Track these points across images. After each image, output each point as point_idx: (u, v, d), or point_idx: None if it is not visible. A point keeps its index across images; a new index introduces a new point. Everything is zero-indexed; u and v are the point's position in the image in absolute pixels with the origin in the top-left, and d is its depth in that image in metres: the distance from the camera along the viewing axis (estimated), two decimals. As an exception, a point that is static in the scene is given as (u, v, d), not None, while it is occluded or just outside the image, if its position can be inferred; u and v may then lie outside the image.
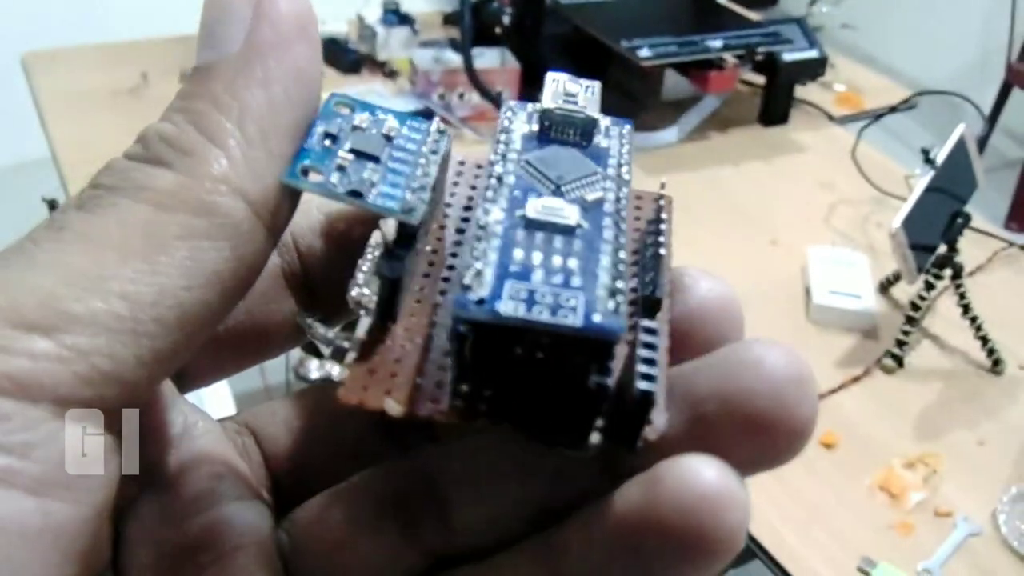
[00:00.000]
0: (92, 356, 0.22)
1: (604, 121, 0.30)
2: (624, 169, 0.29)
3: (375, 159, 0.27)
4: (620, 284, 0.24)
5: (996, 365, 1.24)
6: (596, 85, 0.31)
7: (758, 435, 0.24)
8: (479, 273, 0.24)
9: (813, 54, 1.77)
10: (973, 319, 1.23)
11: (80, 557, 0.22)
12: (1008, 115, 3.13)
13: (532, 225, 0.26)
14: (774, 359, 0.24)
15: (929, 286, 1.22)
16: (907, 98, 1.88)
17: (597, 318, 0.23)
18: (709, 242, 1.46)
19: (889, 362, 1.23)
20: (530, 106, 0.30)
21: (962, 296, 1.23)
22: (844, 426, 1.15)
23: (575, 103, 0.30)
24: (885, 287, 1.36)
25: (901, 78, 2.17)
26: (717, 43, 1.64)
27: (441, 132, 0.29)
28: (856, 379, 1.21)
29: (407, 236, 0.27)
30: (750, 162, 1.68)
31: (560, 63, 1.71)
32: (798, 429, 0.24)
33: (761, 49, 1.69)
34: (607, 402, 0.24)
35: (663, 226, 0.28)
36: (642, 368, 0.23)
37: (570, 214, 0.26)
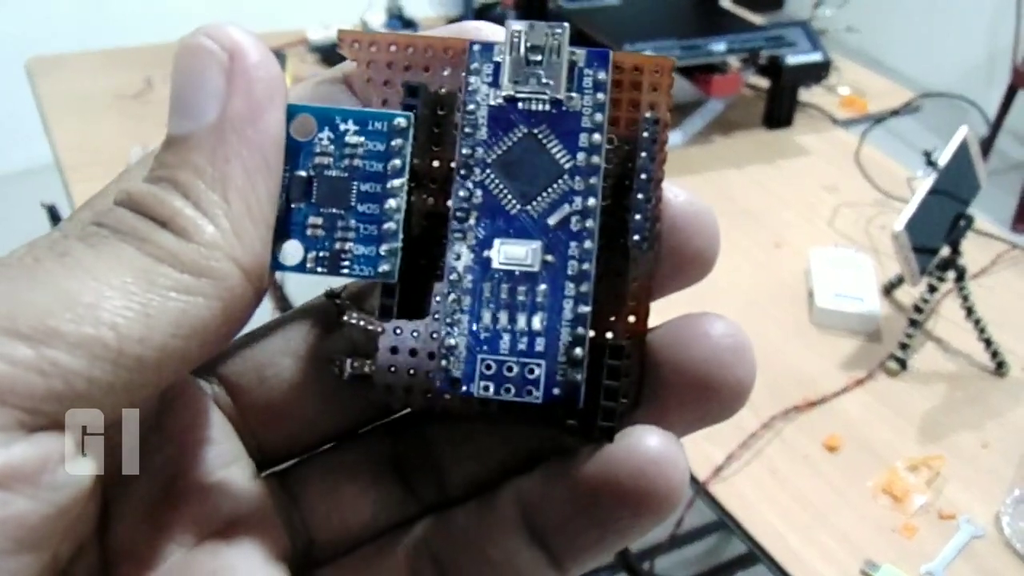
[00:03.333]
0: (70, 375, 0.23)
1: (579, 61, 0.30)
2: (595, 137, 0.29)
3: (346, 208, 0.29)
4: (580, 331, 0.28)
5: (1000, 367, 1.24)
6: (563, 28, 0.30)
7: (704, 395, 0.29)
8: (454, 347, 0.28)
9: (817, 57, 1.77)
10: (976, 321, 1.23)
11: (37, 548, 0.23)
12: (1013, 117, 3.13)
13: (497, 275, 0.28)
14: (718, 331, 0.30)
15: (932, 288, 1.22)
16: (910, 100, 1.88)
17: (556, 391, 0.28)
18: (713, 245, 1.46)
19: (892, 365, 1.23)
20: (497, 51, 0.30)
21: (965, 298, 1.23)
22: (847, 429, 1.15)
23: (539, 63, 0.29)
24: (888, 290, 1.36)
25: (905, 81, 2.17)
26: (721, 47, 1.64)
27: (402, 130, 0.29)
28: (859, 382, 1.21)
29: (390, 287, 0.29)
30: (754, 165, 1.69)
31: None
32: (737, 390, 0.29)
33: (765, 52, 1.69)
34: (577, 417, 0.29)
35: (643, 177, 0.30)
36: (606, 403, 0.28)
37: (533, 260, 0.28)
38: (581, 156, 0.28)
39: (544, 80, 0.29)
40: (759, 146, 1.75)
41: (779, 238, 1.48)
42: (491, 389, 0.28)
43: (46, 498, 0.23)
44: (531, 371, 0.27)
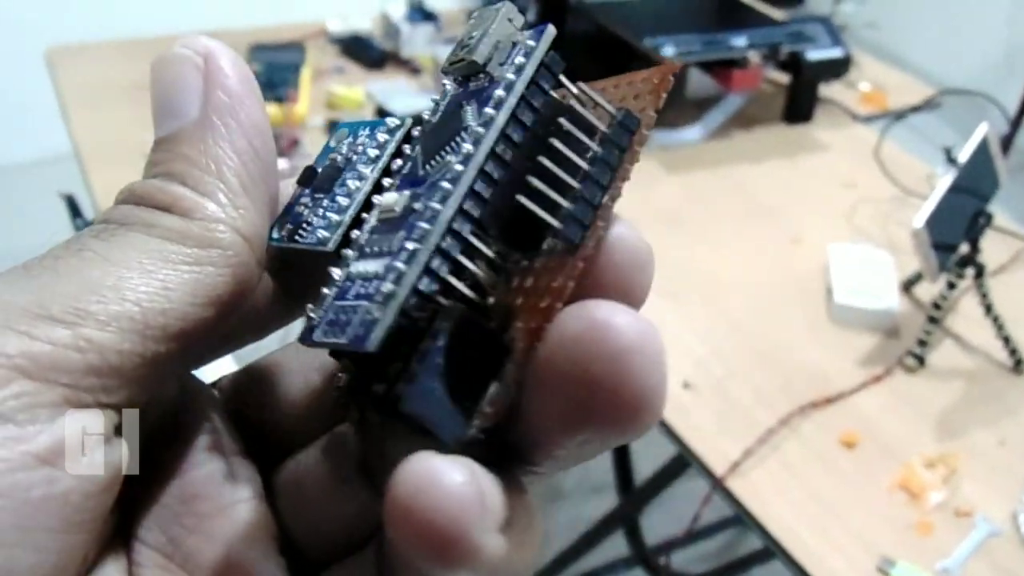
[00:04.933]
0: (104, 349, 0.25)
1: (522, 37, 0.29)
2: (499, 93, 0.27)
3: (327, 192, 0.31)
4: (405, 269, 0.25)
5: (1018, 365, 1.23)
6: (504, 5, 0.29)
7: (599, 401, 0.23)
8: (324, 297, 0.28)
9: (837, 53, 1.77)
10: (995, 318, 1.23)
11: (83, 526, 0.24)
12: (1034, 115, 3.11)
13: (371, 225, 0.29)
14: (620, 323, 0.23)
15: (951, 285, 1.22)
16: (931, 97, 1.88)
17: (360, 330, 0.25)
18: (731, 240, 1.46)
19: (911, 361, 1.23)
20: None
21: (984, 295, 1.22)
22: (865, 425, 1.15)
23: (475, 36, 0.29)
24: (907, 286, 1.36)
25: (925, 77, 2.17)
26: (741, 41, 1.64)
27: (391, 129, 0.31)
28: (877, 378, 1.21)
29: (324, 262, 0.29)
30: (773, 160, 1.68)
31: (583, 61, 1.71)
32: (637, 399, 0.23)
33: (785, 48, 1.69)
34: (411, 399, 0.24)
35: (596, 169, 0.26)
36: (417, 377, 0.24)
37: (398, 207, 0.28)
38: (487, 111, 0.27)
39: (468, 48, 0.29)
40: (779, 142, 1.74)
41: (798, 234, 1.47)
42: (325, 334, 0.27)
43: (89, 475, 0.24)
44: (354, 312, 0.26)
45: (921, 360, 1.23)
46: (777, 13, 1.90)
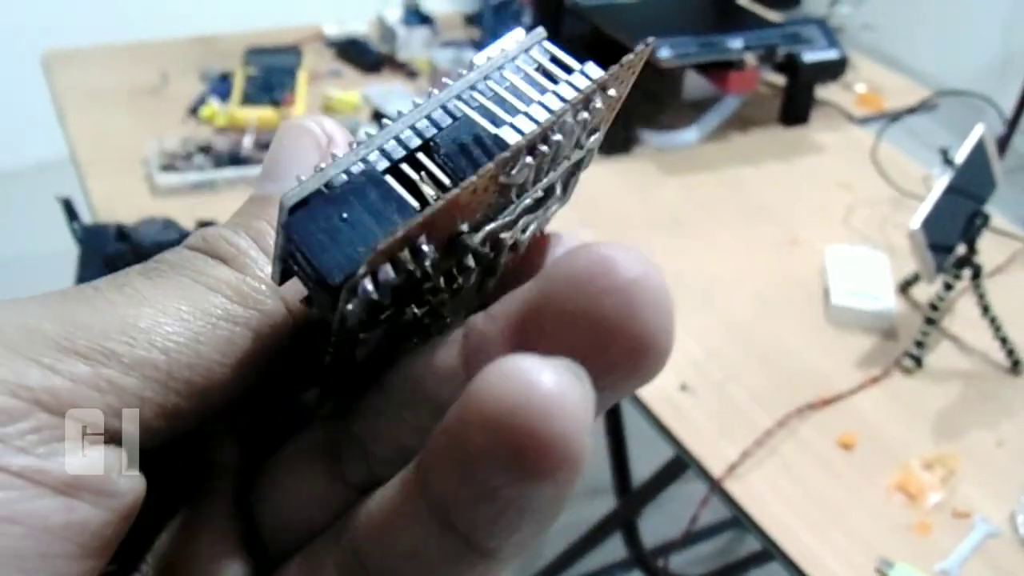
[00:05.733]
0: (124, 393, 0.25)
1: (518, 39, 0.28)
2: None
3: None
4: (329, 167, 0.25)
5: (1015, 366, 1.23)
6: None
7: (607, 338, 0.22)
8: None
9: (834, 55, 1.77)
10: (992, 319, 1.23)
11: (100, 553, 0.25)
12: (1030, 116, 3.12)
13: None
14: (625, 258, 0.22)
15: (948, 286, 1.22)
16: (927, 98, 1.88)
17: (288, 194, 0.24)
18: (728, 242, 1.46)
19: (908, 362, 1.23)
20: None
21: (981, 296, 1.23)
22: (862, 427, 1.15)
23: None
24: (904, 287, 1.36)
25: (922, 79, 2.17)
26: (738, 43, 1.64)
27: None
28: (875, 380, 1.21)
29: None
30: (770, 162, 1.68)
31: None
32: (645, 335, 0.22)
33: (782, 49, 1.69)
34: None
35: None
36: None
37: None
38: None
39: None
40: (775, 143, 1.74)
41: (794, 236, 1.48)
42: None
43: (107, 504, 0.25)
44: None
45: (918, 361, 1.23)
46: (773, 15, 1.90)
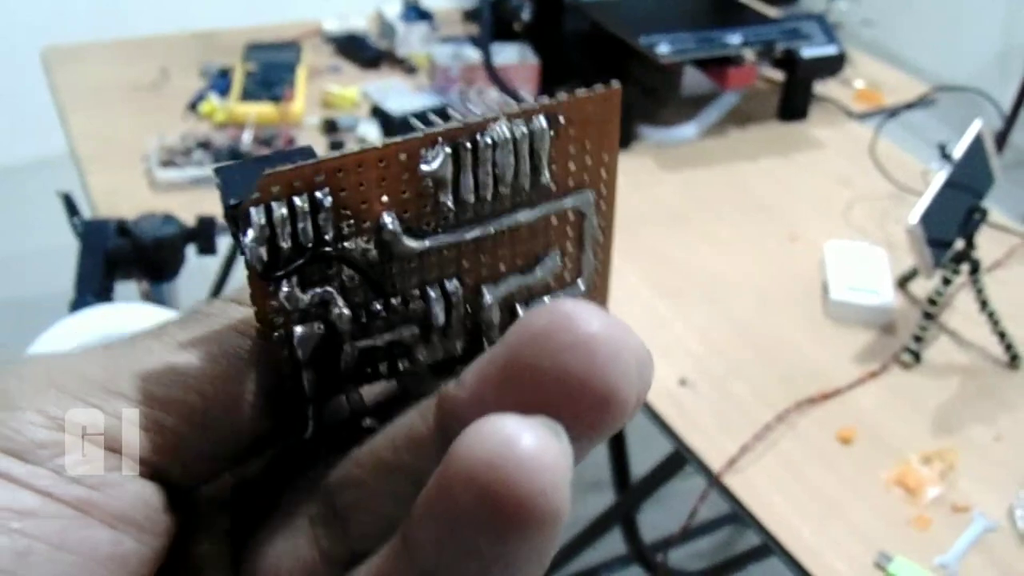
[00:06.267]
0: (165, 431, 0.26)
1: None
2: None
3: None
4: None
5: (1013, 360, 1.24)
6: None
7: (572, 396, 0.22)
8: None
9: (832, 50, 1.77)
10: (991, 314, 1.23)
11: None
12: (1028, 112, 3.12)
13: None
14: (584, 315, 0.22)
15: (947, 281, 1.22)
16: (926, 94, 1.88)
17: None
18: (728, 237, 1.46)
19: (907, 357, 1.23)
20: None
21: (980, 291, 1.23)
22: (861, 421, 1.15)
23: None
24: (903, 282, 1.36)
25: (920, 74, 2.17)
26: (736, 39, 1.64)
27: None
28: (873, 374, 1.21)
29: None
30: (769, 158, 1.69)
31: (579, 59, 1.71)
32: (605, 389, 0.22)
33: (780, 45, 1.69)
34: None
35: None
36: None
37: None
38: None
39: None
40: (774, 139, 1.75)
41: (793, 231, 1.48)
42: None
43: (148, 541, 0.26)
44: None
45: (917, 356, 1.23)
46: (772, 11, 1.90)
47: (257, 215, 0.24)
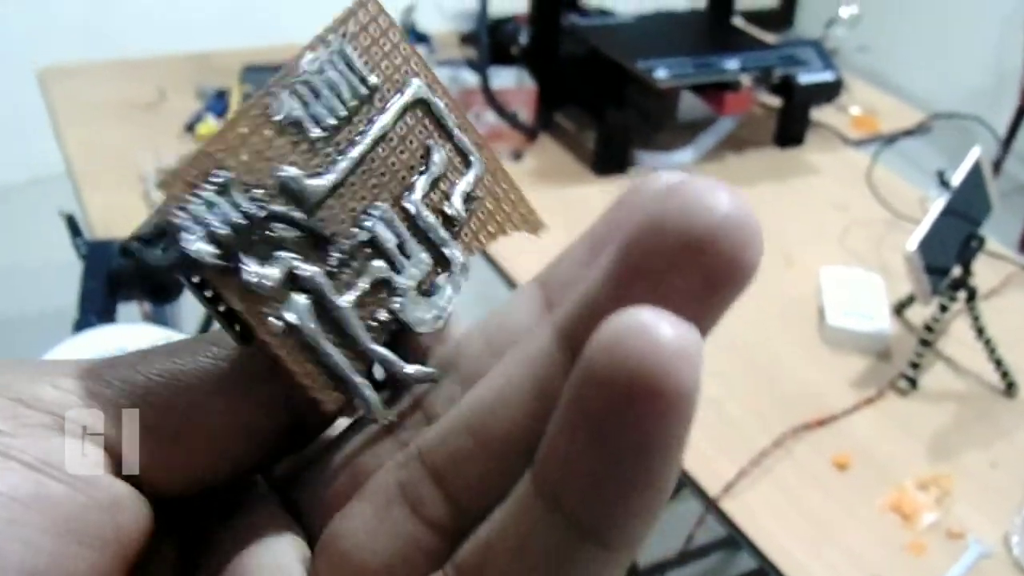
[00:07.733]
0: (101, 399, 0.27)
1: None
2: None
3: None
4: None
5: (1010, 388, 1.24)
6: None
7: (693, 261, 0.22)
8: None
9: (829, 77, 1.78)
10: (987, 341, 1.23)
11: (79, 537, 0.25)
12: (1022, 139, 3.13)
13: None
14: (723, 204, 0.23)
15: (943, 308, 1.23)
16: (922, 121, 1.89)
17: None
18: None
19: (903, 384, 1.23)
20: None
21: (976, 318, 1.23)
22: (857, 447, 1.15)
23: None
24: (899, 309, 1.36)
25: (916, 101, 2.18)
26: (733, 65, 1.64)
27: None
28: (870, 401, 1.21)
29: None
30: (765, 183, 1.69)
31: (577, 83, 1.72)
32: (738, 255, 0.23)
33: (777, 71, 1.70)
34: None
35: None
36: None
37: None
38: None
39: None
40: (770, 165, 1.75)
41: (790, 256, 1.48)
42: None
43: (83, 489, 0.25)
44: None
45: (913, 383, 1.23)
46: (768, 37, 1.91)
47: (183, 218, 0.25)
